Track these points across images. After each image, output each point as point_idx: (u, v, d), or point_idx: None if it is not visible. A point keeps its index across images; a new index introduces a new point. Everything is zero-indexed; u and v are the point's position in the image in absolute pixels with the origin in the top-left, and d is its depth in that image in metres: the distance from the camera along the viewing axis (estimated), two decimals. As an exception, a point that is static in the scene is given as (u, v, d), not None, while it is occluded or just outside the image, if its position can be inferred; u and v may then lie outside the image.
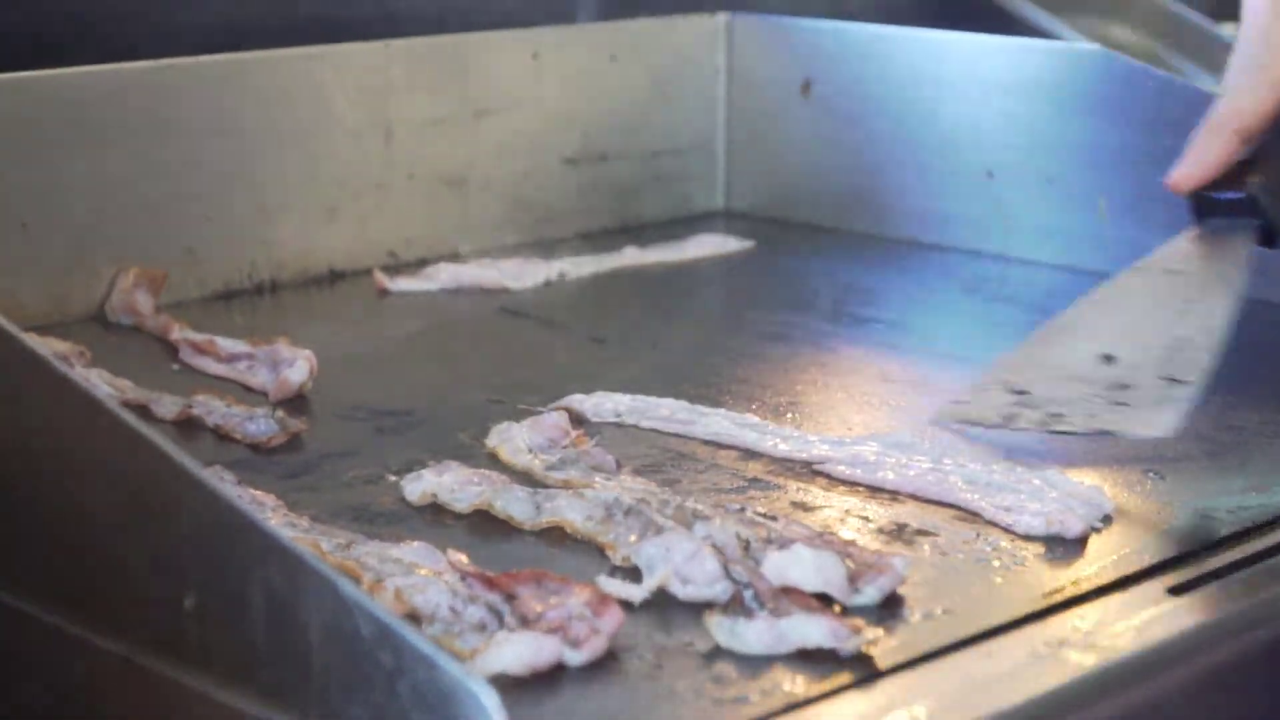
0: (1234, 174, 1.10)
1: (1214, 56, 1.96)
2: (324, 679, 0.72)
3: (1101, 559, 0.92)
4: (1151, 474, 1.03)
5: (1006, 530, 0.96)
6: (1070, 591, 0.88)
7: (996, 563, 0.92)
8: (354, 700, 0.71)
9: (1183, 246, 1.14)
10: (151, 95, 1.37)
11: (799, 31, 1.64)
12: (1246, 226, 1.10)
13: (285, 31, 1.49)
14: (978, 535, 0.95)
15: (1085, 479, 1.02)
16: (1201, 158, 1.10)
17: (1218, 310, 1.09)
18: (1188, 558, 0.92)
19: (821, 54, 1.62)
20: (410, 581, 0.85)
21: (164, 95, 1.37)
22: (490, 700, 0.66)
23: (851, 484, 1.02)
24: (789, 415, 1.14)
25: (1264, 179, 1.08)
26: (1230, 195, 1.09)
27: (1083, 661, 0.81)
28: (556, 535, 0.95)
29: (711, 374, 1.22)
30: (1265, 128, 1.09)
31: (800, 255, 1.58)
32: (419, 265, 1.49)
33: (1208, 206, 1.12)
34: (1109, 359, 1.09)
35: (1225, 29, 2.11)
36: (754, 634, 0.82)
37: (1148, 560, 0.92)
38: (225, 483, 0.98)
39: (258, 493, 0.98)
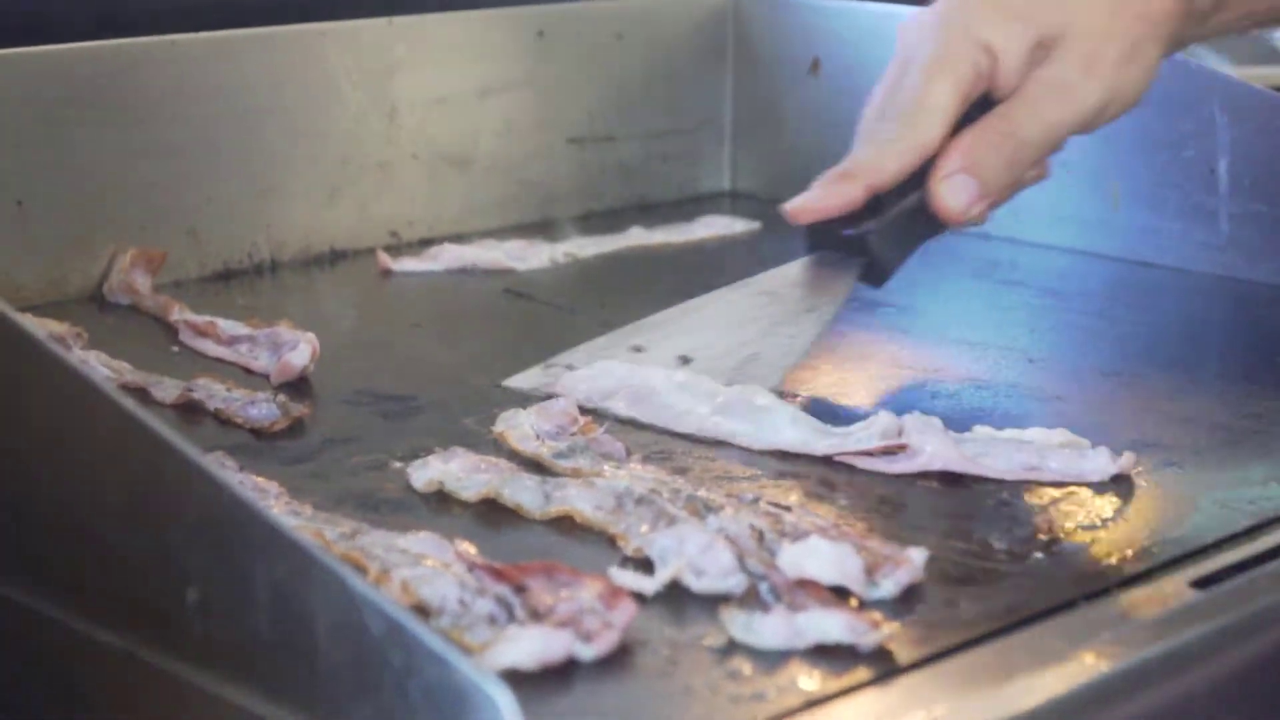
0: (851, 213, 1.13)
1: (1228, 39, 1.94)
2: (331, 676, 0.70)
3: (1122, 551, 0.90)
4: (1170, 464, 1.02)
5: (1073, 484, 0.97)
6: (1092, 585, 0.86)
7: (1016, 555, 0.90)
8: (362, 698, 0.69)
9: (789, 273, 1.18)
10: (151, 72, 1.35)
11: (807, 10, 1.62)
12: (854, 263, 1.14)
13: (289, 7, 1.47)
14: (996, 526, 0.93)
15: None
16: (828, 198, 1.12)
17: (801, 333, 1.13)
18: (1209, 550, 0.90)
19: (830, 33, 1.60)
20: (417, 573, 0.83)
21: (164, 72, 1.35)
22: (505, 700, 0.64)
23: (868, 472, 1.00)
24: (799, 401, 1.12)
25: (878, 224, 1.11)
26: (847, 232, 1.13)
27: (1105, 657, 0.79)
28: (566, 525, 0.93)
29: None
30: (895, 185, 1.11)
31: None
32: (422, 245, 1.47)
33: (821, 238, 1.15)
34: (685, 360, 1.12)
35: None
36: (770, 629, 0.80)
37: (1169, 553, 0.90)
38: (227, 470, 0.96)
39: (260, 479, 0.96)
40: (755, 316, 1.15)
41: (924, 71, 1.11)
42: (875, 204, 1.12)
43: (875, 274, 1.15)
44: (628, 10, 1.61)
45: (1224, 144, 1.38)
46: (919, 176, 1.11)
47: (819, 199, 1.13)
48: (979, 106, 1.12)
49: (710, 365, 1.12)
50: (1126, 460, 0.99)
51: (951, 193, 1.10)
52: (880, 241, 1.12)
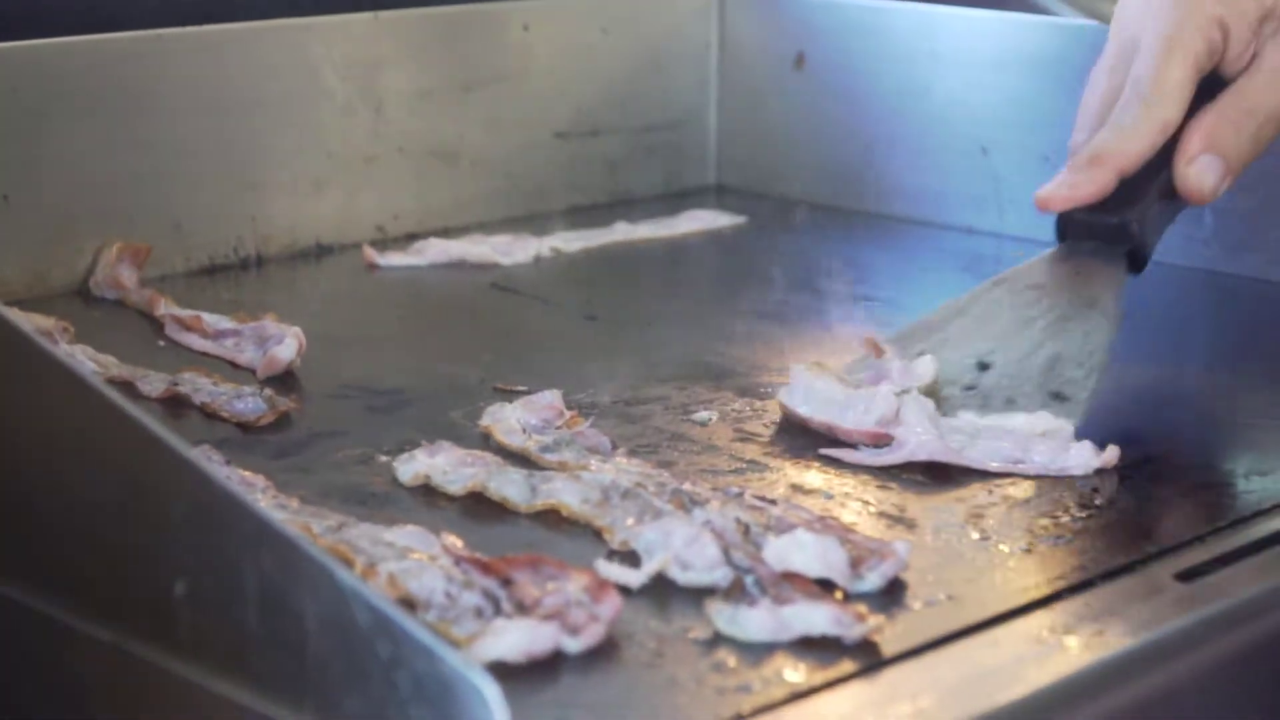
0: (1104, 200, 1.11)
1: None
2: (319, 669, 0.70)
3: (1109, 543, 0.91)
4: (1154, 457, 1.02)
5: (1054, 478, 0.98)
6: (1076, 577, 0.87)
7: (1001, 547, 0.90)
8: (350, 690, 0.69)
9: (1047, 265, 1.14)
10: (136, 67, 1.35)
11: (792, 5, 1.63)
12: (1118, 252, 1.11)
13: (273, 1, 1.47)
14: (981, 519, 0.93)
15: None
16: (1081, 186, 1.10)
17: (1096, 332, 1.09)
18: (1193, 542, 0.91)
19: (815, 28, 1.60)
20: (404, 566, 0.83)
21: (149, 67, 1.35)
22: (491, 692, 0.64)
23: (854, 466, 1.00)
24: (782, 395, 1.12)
25: (1140, 210, 1.10)
26: (1105, 220, 1.10)
27: (1090, 649, 0.79)
28: (552, 518, 0.93)
29: (704, 352, 1.20)
30: (1144, 165, 1.10)
31: (793, 232, 1.56)
32: (408, 240, 1.47)
33: (1077, 228, 1.12)
34: (984, 366, 1.08)
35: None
36: (756, 621, 0.80)
37: (1154, 545, 0.90)
38: (214, 463, 0.96)
39: (246, 473, 0.96)
40: (1033, 315, 1.11)
41: (1158, 50, 1.10)
42: (1127, 191, 1.10)
43: (1136, 261, 1.12)
44: (613, 5, 1.61)
45: (1208, 138, 1.38)
46: (1160, 157, 1.10)
47: (1072, 186, 1.10)
48: (1207, 83, 1.11)
49: (1013, 369, 1.08)
50: (1110, 454, 0.99)
51: (1199, 175, 1.10)
52: (1141, 227, 1.11)
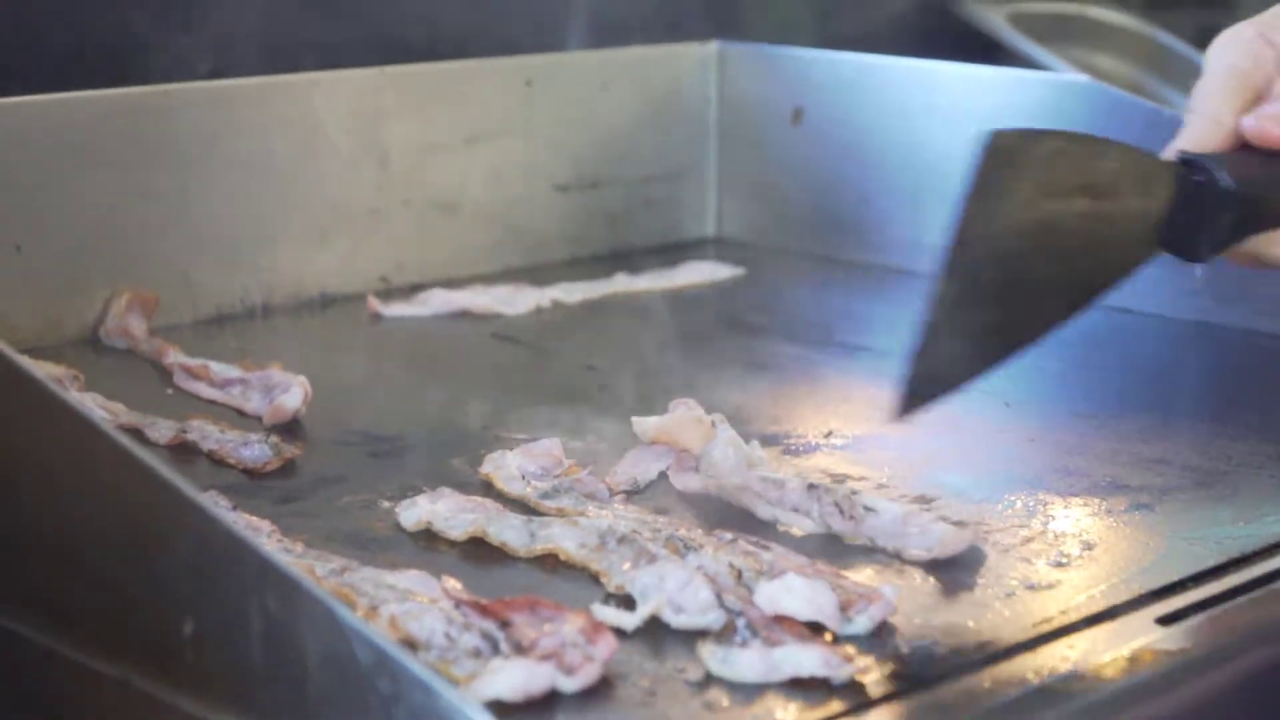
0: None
1: (1195, 79, 1.98)
2: (321, 704, 0.73)
3: (1090, 589, 0.93)
4: (1140, 505, 1.04)
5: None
6: (1059, 621, 0.89)
7: (986, 592, 0.92)
8: (351, 727, 0.72)
9: None
10: (145, 120, 1.38)
11: (790, 60, 1.65)
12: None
13: (278, 56, 1.50)
14: (970, 565, 0.95)
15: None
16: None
17: None
18: (1176, 588, 0.93)
19: (812, 83, 1.63)
20: (405, 608, 0.85)
21: (157, 120, 1.38)
22: (488, 728, 0.67)
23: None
24: (780, 445, 1.14)
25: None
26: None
27: (1072, 692, 0.81)
28: (550, 562, 0.96)
29: (702, 403, 1.22)
30: None
31: (791, 282, 1.58)
32: (412, 290, 1.49)
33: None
34: None
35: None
36: (747, 662, 0.82)
37: (1136, 590, 0.92)
38: (220, 507, 0.98)
39: (252, 518, 0.98)
40: None
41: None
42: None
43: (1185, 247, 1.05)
44: (614, 60, 1.64)
45: (1197, 192, 1.40)
46: None
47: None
48: None
49: None
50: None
51: None
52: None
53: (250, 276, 1.43)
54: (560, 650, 0.82)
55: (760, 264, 1.62)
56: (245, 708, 0.76)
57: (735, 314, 1.53)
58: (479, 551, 0.97)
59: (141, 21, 1.47)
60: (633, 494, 1.05)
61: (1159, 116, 1.44)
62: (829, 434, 1.16)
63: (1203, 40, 2.19)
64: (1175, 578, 0.94)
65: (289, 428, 1.17)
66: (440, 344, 1.40)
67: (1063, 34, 2.03)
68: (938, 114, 1.55)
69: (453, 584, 0.90)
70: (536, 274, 1.56)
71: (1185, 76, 2.04)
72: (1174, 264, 1.40)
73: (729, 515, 1.02)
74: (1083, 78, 1.51)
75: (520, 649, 0.83)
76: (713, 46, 1.68)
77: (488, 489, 1.05)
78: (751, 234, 1.69)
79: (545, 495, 1.03)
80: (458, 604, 0.86)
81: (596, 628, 0.84)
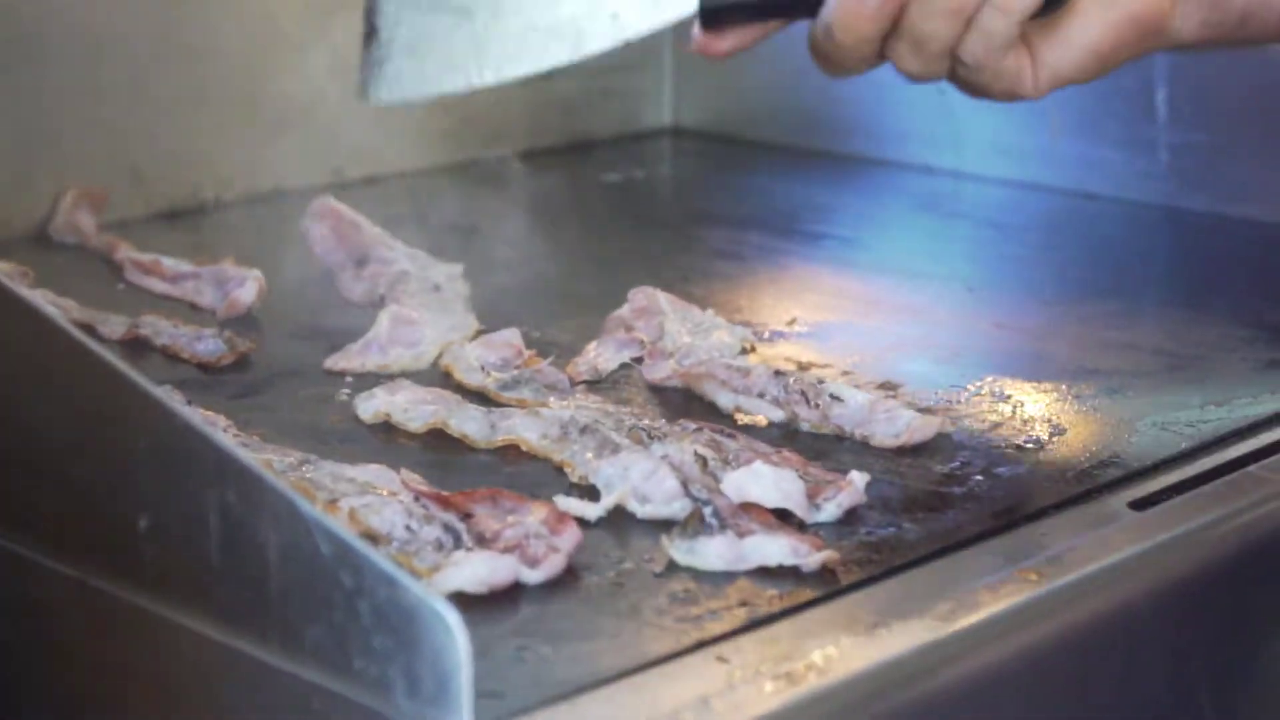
0: None
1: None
2: (283, 600, 0.71)
3: (1063, 473, 0.92)
4: (1110, 390, 1.03)
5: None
6: (1031, 506, 0.88)
7: (956, 478, 0.92)
8: (314, 621, 0.70)
9: None
10: (93, 12, 1.34)
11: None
12: None
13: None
14: (940, 450, 0.95)
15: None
16: None
17: None
18: (1148, 472, 0.92)
19: (772, -33, 1.60)
20: (365, 501, 0.84)
21: (106, 13, 1.35)
22: (453, 618, 0.65)
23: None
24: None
25: None
26: None
27: (1045, 576, 0.81)
28: (512, 454, 0.94)
29: (664, 292, 1.21)
30: None
31: (753, 172, 1.57)
32: (367, 183, 1.47)
33: None
34: None
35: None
36: (715, 551, 0.81)
37: (1108, 476, 0.92)
38: (177, 402, 0.97)
39: (207, 413, 0.96)
40: None
41: None
42: None
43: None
44: (570, -55, 1.61)
45: (1163, 72, 1.39)
46: None
47: None
48: None
49: None
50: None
51: None
52: None
53: (202, 170, 1.41)
54: (524, 541, 0.81)
55: (721, 154, 1.61)
56: (205, 606, 0.74)
57: (697, 203, 1.51)
58: (439, 443, 0.96)
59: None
60: (595, 384, 1.04)
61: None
62: (792, 321, 1.15)
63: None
64: (1147, 463, 0.93)
65: (244, 322, 1.15)
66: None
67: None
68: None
69: (413, 476, 0.88)
70: (492, 165, 1.54)
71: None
72: (1135, 147, 1.40)
73: (693, 406, 1.01)
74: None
75: (483, 541, 0.81)
76: (670, -70, 1.65)
77: (446, 380, 1.04)
78: (711, 123, 1.67)
79: (505, 386, 1.02)
80: (418, 496, 0.85)
81: (560, 518, 0.82)
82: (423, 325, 1.09)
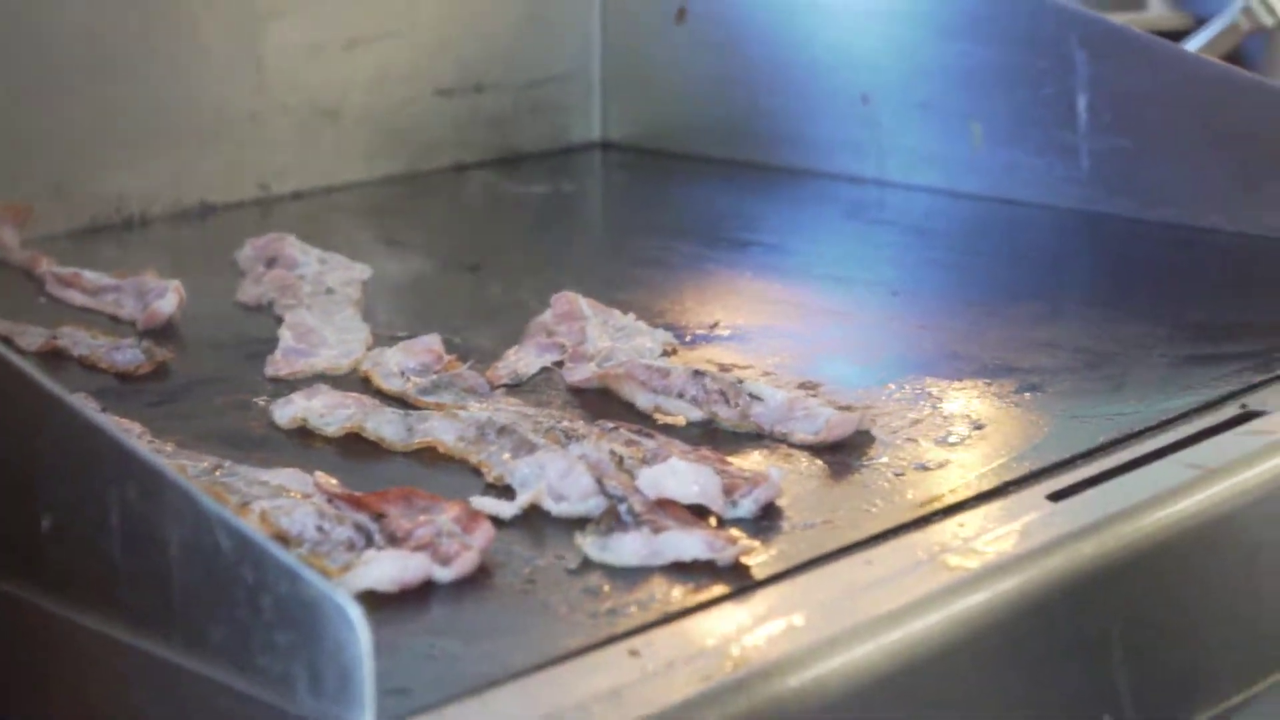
0: None
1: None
2: (185, 598, 0.69)
3: (980, 468, 0.90)
4: (1031, 387, 1.02)
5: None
6: (950, 499, 0.86)
7: (875, 474, 0.90)
8: (216, 618, 0.68)
9: None
10: (17, 25, 1.32)
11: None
12: None
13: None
14: (859, 446, 0.93)
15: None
16: None
17: None
18: (1065, 465, 0.91)
19: (709, -17, 1.59)
20: (277, 504, 0.82)
21: (30, 26, 1.33)
22: (354, 612, 0.63)
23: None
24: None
25: None
26: None
27: (964, 566, 0.79)
28: (429, 456, 0.92)
29: (589, 298, 1.19)
30: None
31: (679, 184, 1.55)
32: (293, 198, 1.45)
33: None
34: None
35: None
36: (629, 547, 0.79)
37: (1026, 468, 0.90)
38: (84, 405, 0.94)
39: (123, 420, 0.94)
40: None
41: None
42: None
43: None
44: (496, -39, 1.60)
45: (1083, 80, 1.38)
46: None
47: None
48: None
49: None
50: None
51: None
52: None
53: (126, 186, 1.38)
54: (435, 540, 0.79)
55: (648, 167, 1.59)
56: (109, 607, 0.72)
57: (624, 214, 1.50)
58: (356, 447, 0.94)
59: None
60: (515, 388, 1.02)
61: (1042, 5, 1.42)
62: (715, 325, 1.14)
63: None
64: (1065, 456, 0.92)
65: (164, 332, 1.13)
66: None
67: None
68: (822, 9, 1.52)
69: (326, 479, 0.86)
70: (420, 181, 1.52)
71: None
72: (1056, 153, 1.39)
73: (613, 408, 0.99)
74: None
75: (395, 540, 0.79)
76: (594, -51, 1.64)
77: (366, 386, 1.02)
78: (639, 137, 1.65)
79: (424, 391, 1.00)
80: (331, 498, 0.83)
81: (473, 517, 0.80)
82: (323, 329, 1.07)
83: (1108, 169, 1.38)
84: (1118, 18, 1.65)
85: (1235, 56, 1.83)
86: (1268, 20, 1.84)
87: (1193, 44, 1.79)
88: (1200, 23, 1.91)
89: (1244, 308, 1.18)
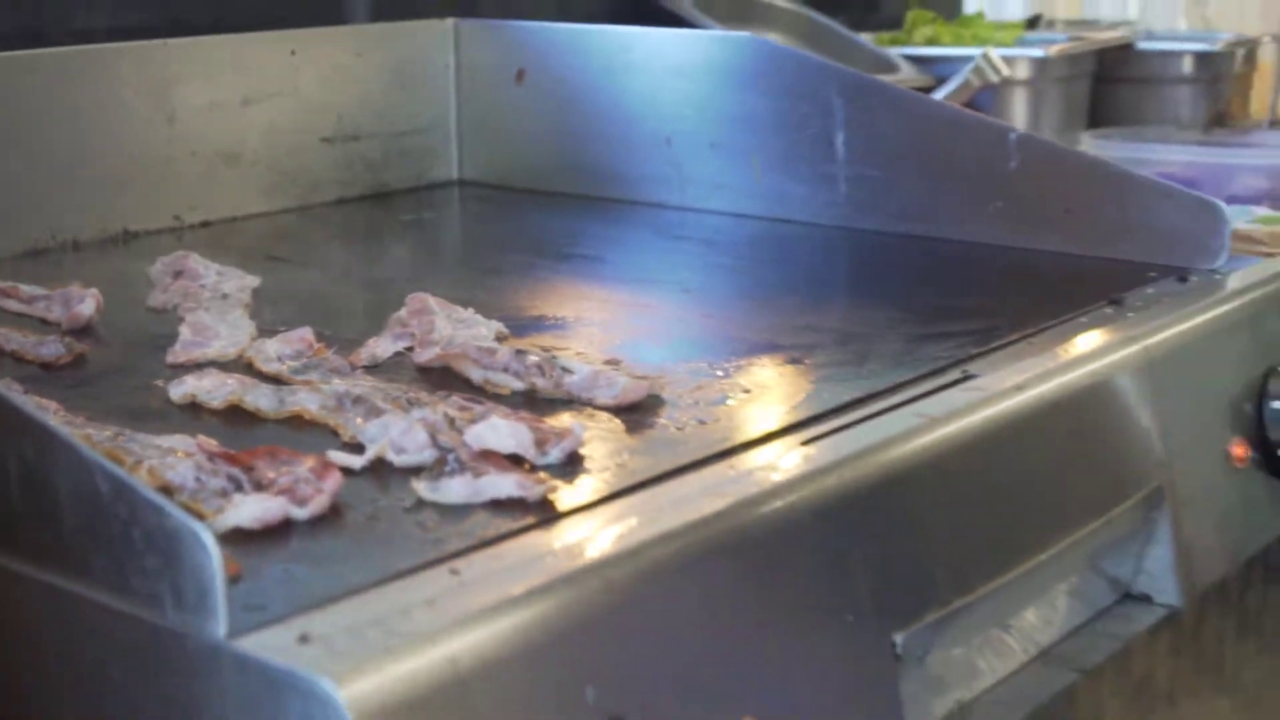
0: None
1: (847, 52, 1.95)
2: (73, 535, 0.66)
3: (750, 423, 0.89)
4: (794, 360, 1.01)
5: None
6: (723, 447, 0.85)
7: (663, 429, 0.88)
8: (98, 550, 0.65)
9: None
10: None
11: (513, 30, 1.59)
12: None
13: (85, 35, 1.41)
14: (656, 408, 0.91)
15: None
16: None
17: None
18: (818, 419, 0.89)
19: (532, 48, 1.57)
20: (164, 461, 0.79)
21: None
22: (208, 538, 0.60)
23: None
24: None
25: None
26: None
27: (734, 496, 0.77)
28: (298, 423, 0.89)
29: (439, 298, 1.16)
30: None
31: (520, 212, 1.53)
32: (203, 226, 1.41)
33: None
34: None
35: (861, 35, 2.11)
36: (454, 488, 0.77)
37: (786, 421, 0.89)
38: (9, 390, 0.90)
39: (42, 400, 0.90)
40: None
41: None
42: None
43: None
44: (365, 33, 1.57)
45: (840, 122, 1.37)
46: None
47: None
48: None
49: None
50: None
51: None
52: None
53: (61, 217, 1.34)
54: (294, 486, 0.76)
55: (497, 199, 1.57)
56: (12, 546, 0.69)
57: (474, 236, 1.47)
58: (236, 417, 0.91)
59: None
60: (373, 368, 0.99)
61: (806, 62, 1.42)
62: (540, 317, 1.11)
63: (856, 22, 2.19)
64: (818, 411, 0.90)
65: (84, 331, 1.08)
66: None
67: (736, 14, 1.99)
68: (635, 70, 1.50)
69: (207, 441, 0.83)
70: (308, 213, 1.48)
71: (834, 44, 2.02)
72: (820, 182, 1.39)
73: (452, 383, 0.97)
74: (746, 34, 1.47)
75: (260, 487, 0.76)
76: (449, 22, 1.61)
77: (249, 369, 0.98)
78: (490, 175, 1.62)
79: (296, 371, 0.97)
80: (210, 455, 0.80)
81: (326, 466, 0.78)
82: (217, 326, 1.04)
83: (860, 193, 1.38)
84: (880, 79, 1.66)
85: (970, 106, 1.83)
86: (993, 77, 1.86)
87: (936, 96, 1.79)
88: (941, 81, 1.92)
89: (966, 297, 1.18)
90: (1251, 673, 1.20)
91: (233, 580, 0.66)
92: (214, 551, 0.60)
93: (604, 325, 1.10)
